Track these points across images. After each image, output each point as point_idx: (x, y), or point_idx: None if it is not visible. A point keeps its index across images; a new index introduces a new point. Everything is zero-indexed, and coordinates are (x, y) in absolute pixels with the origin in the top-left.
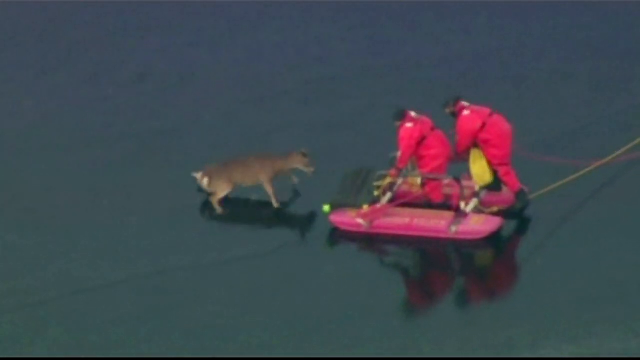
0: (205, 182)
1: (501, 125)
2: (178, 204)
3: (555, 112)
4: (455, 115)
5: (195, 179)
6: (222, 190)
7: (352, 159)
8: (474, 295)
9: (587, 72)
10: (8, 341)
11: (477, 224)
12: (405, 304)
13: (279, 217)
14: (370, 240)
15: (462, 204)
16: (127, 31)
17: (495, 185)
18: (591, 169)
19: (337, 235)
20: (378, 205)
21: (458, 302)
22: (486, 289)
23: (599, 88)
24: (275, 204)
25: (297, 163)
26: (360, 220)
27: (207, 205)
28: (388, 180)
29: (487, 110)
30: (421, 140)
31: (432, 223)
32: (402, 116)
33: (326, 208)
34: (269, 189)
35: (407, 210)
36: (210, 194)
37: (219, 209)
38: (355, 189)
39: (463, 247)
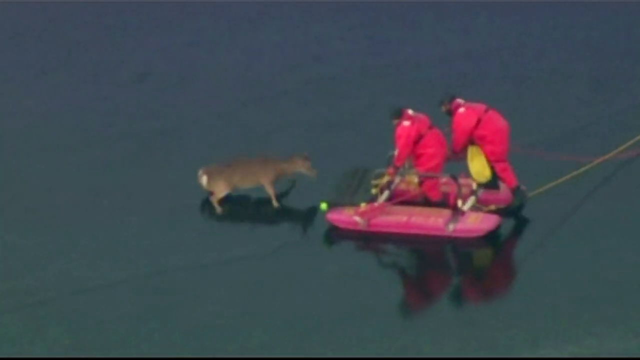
0: (204, 180)
1: (497, 121)
2: (178, 204)
3: (555, 112)
4: (451, 113)
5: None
6: (220, 191)
7: (352, 158)
8: (474, 295)
9: (587, 72)
10: (8, 341)
11: (475, 223)
12: (405, 304)
13: (279, 217)
14: (371, 240)
15: (460, 202)
16: (127, 31)
17: (492, 184)
18: (587, 168)
19: (337, 235)
20: (376, 204)
21: (458, 302)
22: (486, 289)
23: (599, 88)
24: (275, 205)
25: (300, 167)
26: (357, 218)
27: (207, 205)
28: (386, 178)
29: (482, 107)
30: (418, 139)
31: (430, 221)
32: (399, 114)
33: (323, 206)
34: (270, 191)
35: (405, 209)
36: (210, 194)
37: (218, 209)
38: (352, 188)
39: (463, 247)
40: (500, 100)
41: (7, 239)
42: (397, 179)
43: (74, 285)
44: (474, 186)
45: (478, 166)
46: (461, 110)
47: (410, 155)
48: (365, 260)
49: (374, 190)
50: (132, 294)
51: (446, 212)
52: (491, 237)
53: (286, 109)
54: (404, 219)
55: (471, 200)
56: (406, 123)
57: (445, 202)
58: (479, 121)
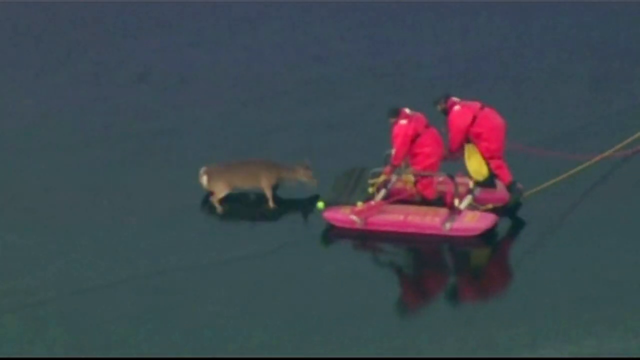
0: (204, 180)
1: (493, 118)
2: (178, 204)
3: (555, 112)
4: (447, 112)
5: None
6: (220, 191)
7: (351, 158)
8: (474, 295)
9: (587, 72)
10: (8, 341)
11: (471, 221)
12: (404, 303)
13: (279, 217)
14: (370, 240)
15: (456, 201)
16: (127, 31)
17: (489, 182)
18: (584, 167)
19: (335, 235)
20: (372, 203)
21: (457, 302)
22: (484, 289)
23: (599, 88)
24: (272, 205)
25: (301, 176)
26: (354, 217)
27: (207, 205)
28: (382, 177)
29: (477, 105)
30: (415, 138)
31: (426, 220)
32: (396, 113)
33: (320, 205)
34: (268, 193)
35: (401, 207)
36: (210, 193)
37: (219, 208)
38: (349, 188)
39: (463, 247)
40: (500, 100)
41: (7, 239)
42: (393, 178)
43: (74, 285)
44: (471, 185)
45: (475, 164)
46: (456, 108)
47: (407, 154)
48: (364, 260)
49: (370, 190)
50: (132, 294)
51: (443, 211)
52: (491, 237)
53: (286, 109)
54: (401, 217)
55: (468, 199)
56: (403, 122)
57: (440, 201)
58: (474, 118)
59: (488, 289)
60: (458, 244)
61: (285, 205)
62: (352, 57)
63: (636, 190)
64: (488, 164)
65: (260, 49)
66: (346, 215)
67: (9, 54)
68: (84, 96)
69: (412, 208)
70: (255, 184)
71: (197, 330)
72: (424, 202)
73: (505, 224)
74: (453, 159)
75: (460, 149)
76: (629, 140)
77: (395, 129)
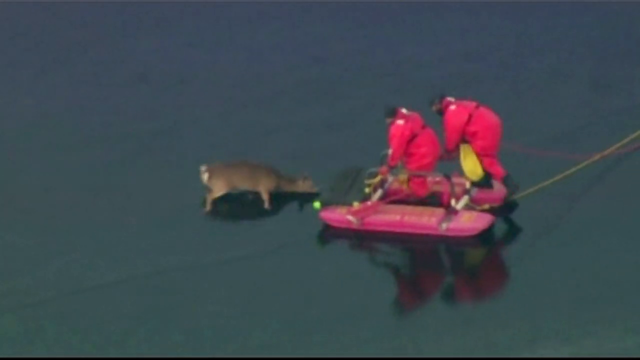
0: (205, 177)
1: (488, 117)
2: (178, 204)
3: (554, 112)
4: (442, 112)
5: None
6: (218, 190)
7: (351, 158)
8: (473, 295)
9: (587, 72)
10: (8, 341)
11: (468, 222)
12: (403, 304)
13: (278, 217)
14: (366, 240)
15: (453, 202)
16: (127, 31)
17: (486, 182)
18: (581, 167)
19: (332, 235)
20: (369, 203)
21: (456, 302)
22: (482, 289)
23: (599, 88)
24: (268, 206)
25: (301, 188)
26: (350, 218)
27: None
28: (379, 177)
29: (473, 104)
30: (412, 138)
31: (423, 220)
32: (393, 113)
33: (316, 205)
34: (265, 197)
35: (398, 207)
36: (208, 190)
37: (209, 206)
38: (346, 188)
39: (461, 247)
40: (499, 100)
41: (7, 239)
42: (390, 178)
43: (74, 285)
44: (468, 185)
45: (470, 164)
46: (452, 107)
47: (403, 154)
48: (361, 260)
49: (367, 190)
50: (132, 294)
51: (439, 211)
52: (490, 237)
53: (285, 109)
54: (397, 217)
55: (464, 199)
56: (400, 122)
57: (434, 200)
58: (470, 117)
59: (486, 289)
60: (455, 244)
61: (283, 205)
62: (351, 57)
63: (636, 190)
64: (481, 162)
65: (259, 49)
66: (342, 215)
67: (8, 54)
68: (84, 96)
69: (409, 208)
70: (253, 187)
71: (197, 330)
72: (421, 202)
73: (504, 224)
74: (449, 159)
75: (457, 148)
76: (626, 140)
77: (392, 130)
